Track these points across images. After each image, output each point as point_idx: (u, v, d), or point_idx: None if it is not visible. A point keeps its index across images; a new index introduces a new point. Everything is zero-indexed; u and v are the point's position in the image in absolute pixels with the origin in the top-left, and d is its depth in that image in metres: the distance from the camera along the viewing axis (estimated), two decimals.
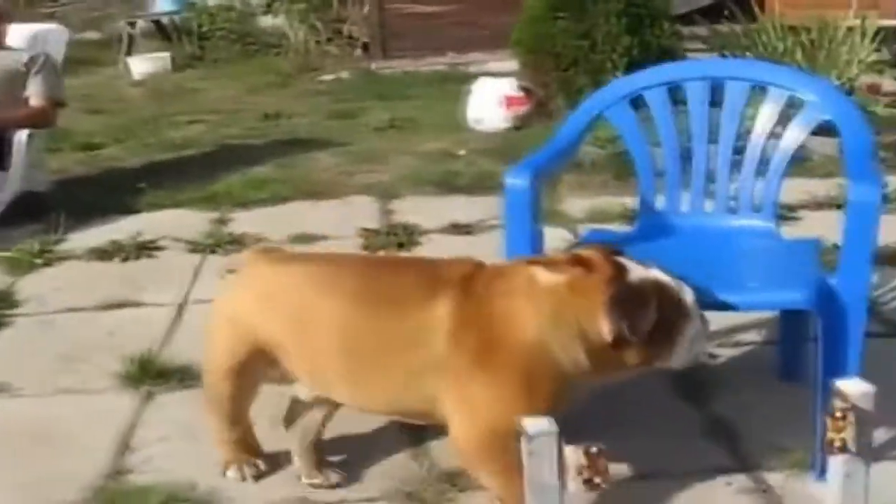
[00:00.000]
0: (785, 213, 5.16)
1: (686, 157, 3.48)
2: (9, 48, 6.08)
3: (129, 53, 11.43)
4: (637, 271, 2.62)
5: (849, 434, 1.95)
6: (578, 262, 2.64)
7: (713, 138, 3.42)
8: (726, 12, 8.18)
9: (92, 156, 7.27)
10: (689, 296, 2.65)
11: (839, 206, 3.99)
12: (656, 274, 2.64)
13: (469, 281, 2.68)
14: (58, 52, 6.25)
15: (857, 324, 2.79)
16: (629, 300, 2.55)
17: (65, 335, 4.17)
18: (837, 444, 1.96)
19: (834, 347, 2.81)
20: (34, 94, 5.86)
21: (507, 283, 2.66)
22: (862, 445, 1.96)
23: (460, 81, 8.67)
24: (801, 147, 3.35)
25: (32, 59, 5.88)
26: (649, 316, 2.54)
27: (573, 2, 7.53)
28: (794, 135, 3.31)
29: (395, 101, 8.85)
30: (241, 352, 2.86)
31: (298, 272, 2.89)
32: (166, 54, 11.28)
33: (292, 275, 2.88)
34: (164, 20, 12.24)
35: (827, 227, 2.89)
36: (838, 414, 1.93)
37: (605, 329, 2.53)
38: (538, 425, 1.98)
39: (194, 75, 10.84)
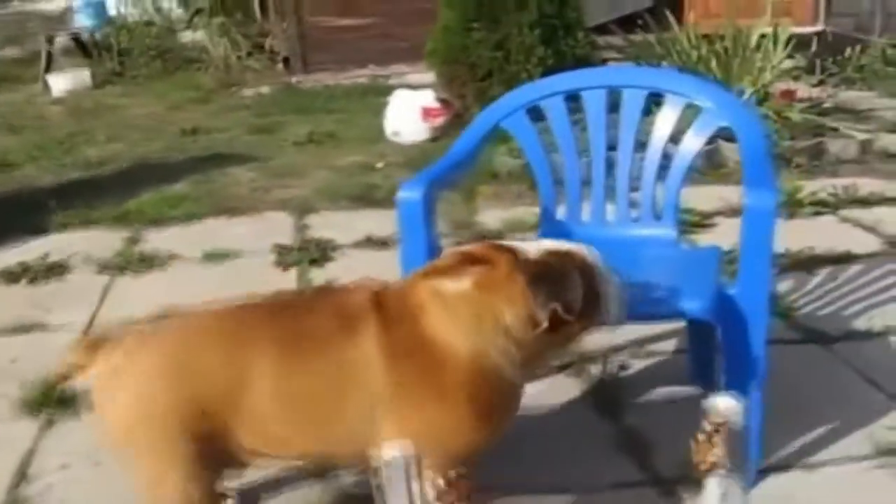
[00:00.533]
0: (699, 219, 5.19)
1: (588, 165, 3.45)
2: None
3: (48, 70, 11.24)
4: (532, 249, 2.47)
5: (720, 451, 1.91)
6: (471, 260, 2.48)
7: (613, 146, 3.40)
8: (640, 22, 8.24)
9: (5, 175, 7.13)
10: (592, 254, 2.50)
11: None
12: (551, 245, 2.51)
13: (381, 306, 2.48)
14: None
15: (758, 332, 2.77)
16: (550, 279, 2.39)
17: None
18: (710, 460, 1.93)
19: (736, 356, 2.80)
20: None
21: (413, 303, 2.46)
22: (735, 462, 1.93)
23: (381, 94, 8.62)
24: (713, 154, 3.35)
25: None
26: (576, 286, 2.40)
27: (487, 13, 7.54)
28: (693, 142, 3.29)
29: (315, 114, 8.76)
30: (186, 446, 2.43)
31: (196, 330, 2.53)
32: (86, 71, 11.10)
33: (196, 333, 2.52)
34: (84, 36, 12.06)
35: None
36: (708, 430, 1.90)
37: (539, 316, 2.36)
38: (393, 451, 1.90)
39: (114, 92, 10.68)
